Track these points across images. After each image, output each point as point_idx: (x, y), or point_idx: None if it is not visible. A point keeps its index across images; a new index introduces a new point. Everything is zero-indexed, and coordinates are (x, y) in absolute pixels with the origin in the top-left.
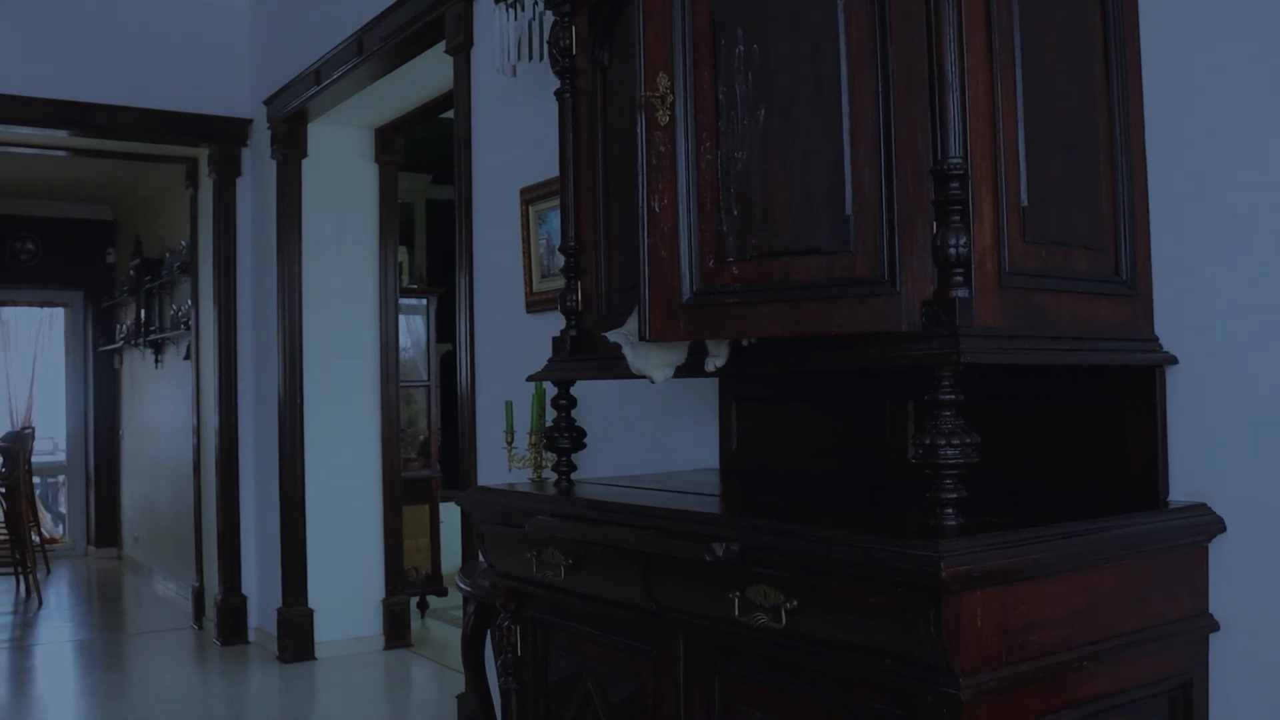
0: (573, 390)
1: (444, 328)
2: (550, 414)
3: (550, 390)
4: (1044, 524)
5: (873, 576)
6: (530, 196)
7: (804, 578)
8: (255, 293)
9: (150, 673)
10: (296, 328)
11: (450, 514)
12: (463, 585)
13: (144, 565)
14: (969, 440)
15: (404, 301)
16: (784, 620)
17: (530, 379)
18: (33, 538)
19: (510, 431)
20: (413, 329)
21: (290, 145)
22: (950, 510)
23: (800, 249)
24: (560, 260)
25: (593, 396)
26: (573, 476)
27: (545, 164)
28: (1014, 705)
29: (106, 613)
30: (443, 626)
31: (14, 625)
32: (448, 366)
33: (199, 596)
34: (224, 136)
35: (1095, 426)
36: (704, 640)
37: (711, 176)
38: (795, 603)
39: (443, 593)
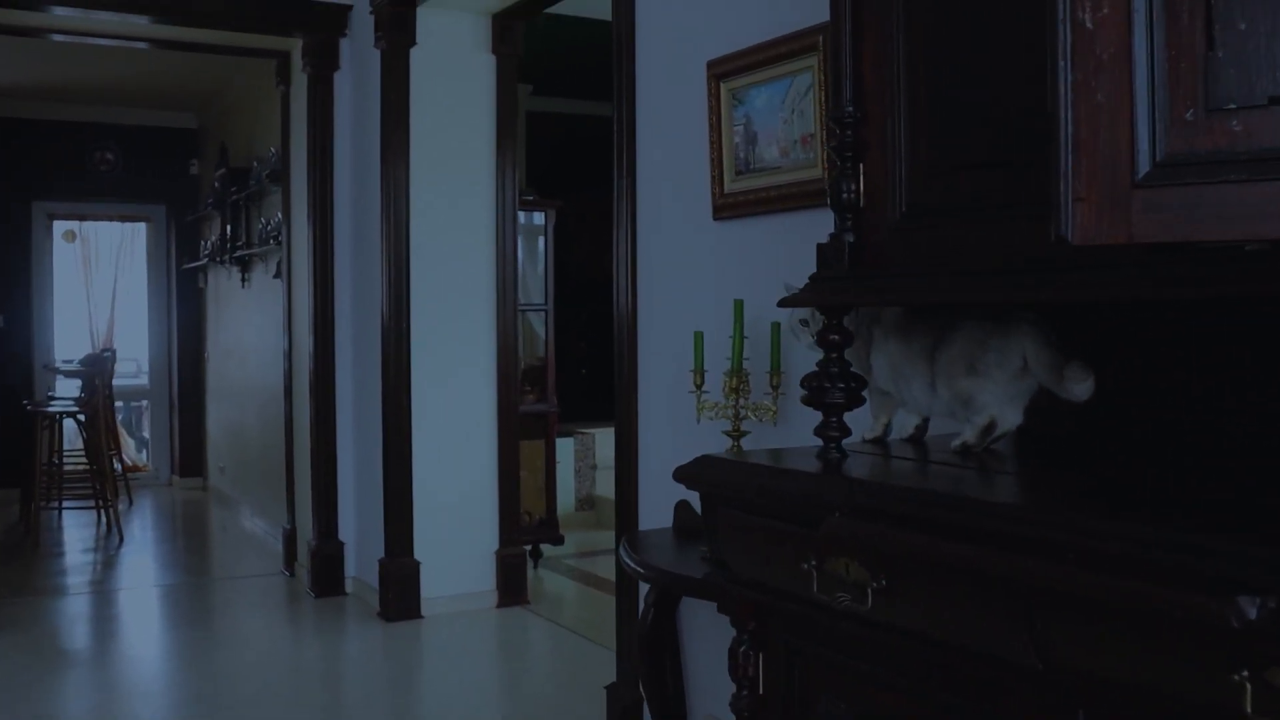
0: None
1: (559, 244)
2: (749, 347)
3: (754, 313)
4: None
5: None
6: (723, 70)
7: None
8: (355, 203)
9: (240, 630)
10: (403, 242)
11: (564, 452)
12: (631, 563)
13: (230, 498)
14: None
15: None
16: None
17: (785, 304)
18: (114, 465)
19: (700, 371)
20: (525, 246)
21: (397, 32)
22: None
23: None
24: (767, 151)
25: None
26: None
27: (744, 25)
28: None
29: (191, 552)
30: (557, 579)
31: (95, 565)
32: (559, 287)
33: (290, 540)
34: (320, 24)
35: None
36: None
37: None
38: None
39: (559, 540)
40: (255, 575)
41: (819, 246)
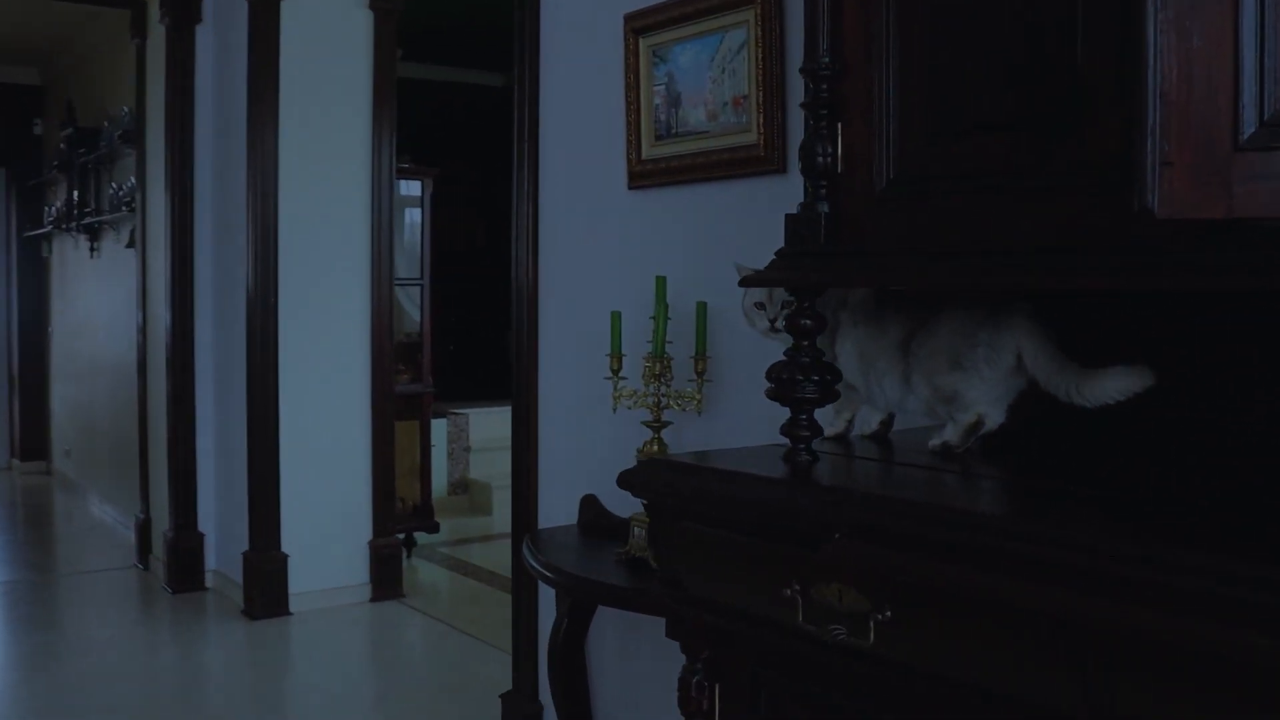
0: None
1: (437, 216)
2: (675, 329)
3: (675, 291)
4: None
5: None
6: (643, 24)
7: None
8: (218, 167)
9: (88, 632)
10: (270, 210)
11: (437, 434)
12: (539, 567)
13: (77, 483)
14: None
15: None
16: None
17: (746, 283)
18: None
19: (617, 355)
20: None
21: None
22: None
23: None
24: (693, 114)
25: (729, 305)
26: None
27: None
28: None
29: (33, 544)
30: (432, 569)
31: None
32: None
33: (144, 530)
34: None
35: None
36: None
37: None
38: None
39: (434, 528)
40: (105, 569)
41: (788, 218)
